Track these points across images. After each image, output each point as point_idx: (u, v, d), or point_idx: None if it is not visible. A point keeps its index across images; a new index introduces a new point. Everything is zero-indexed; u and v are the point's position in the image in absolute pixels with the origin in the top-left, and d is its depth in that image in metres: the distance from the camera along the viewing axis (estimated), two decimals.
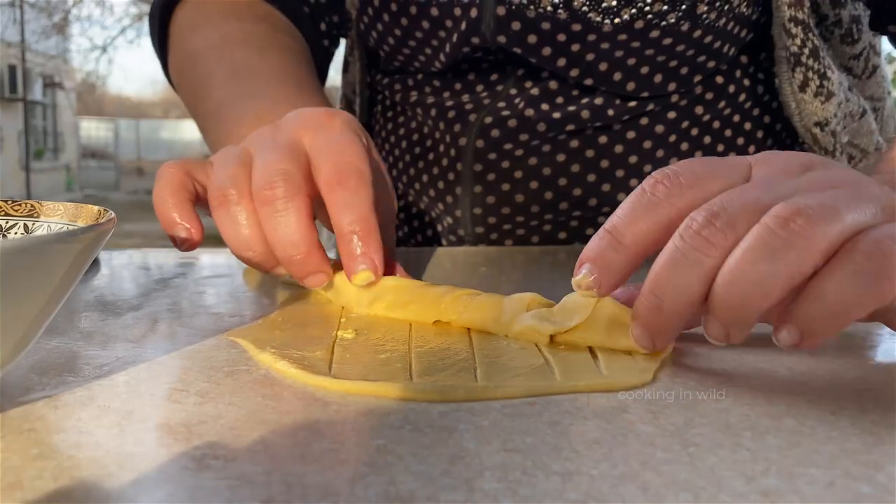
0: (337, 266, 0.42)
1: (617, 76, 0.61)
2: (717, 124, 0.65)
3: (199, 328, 0.38)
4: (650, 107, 0.63)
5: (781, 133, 0.67)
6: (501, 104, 0.64)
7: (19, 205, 0.34)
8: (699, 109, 0.65)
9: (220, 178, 0.41)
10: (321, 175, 0.40)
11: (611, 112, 0.63)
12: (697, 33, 0.59)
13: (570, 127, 0.63)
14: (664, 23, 0.57)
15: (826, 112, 0.63)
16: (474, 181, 0.66)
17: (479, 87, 0.66)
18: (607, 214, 0.65)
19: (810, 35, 0.61)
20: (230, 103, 0.57)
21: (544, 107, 0.63)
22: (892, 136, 0.68)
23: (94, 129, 21.64)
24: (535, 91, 0.64)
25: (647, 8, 0.57)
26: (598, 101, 0.63)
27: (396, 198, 0.73)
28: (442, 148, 0.67)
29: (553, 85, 0.63)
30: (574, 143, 0.64)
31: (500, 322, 0.36)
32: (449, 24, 0.62)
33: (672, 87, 0.63)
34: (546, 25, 0.58)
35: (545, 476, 0.23)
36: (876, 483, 0.23)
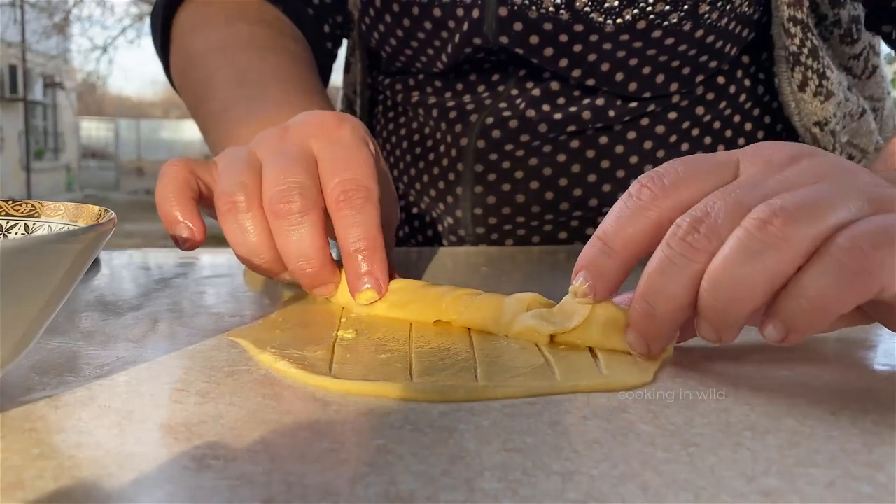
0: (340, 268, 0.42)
1: (619, 76, 0.61)
2: (717, 125, 0.65)
3: (199, 328, 0.38)
4: (651, 107, 0.63)
5: (782, 133, 0.67)
6: (503, 105, 0.64)
7: (20, 205, 0.34)
8: (700, 110, 0.65)
9: (228, 183, 0.41)
10: (328, 191, 0.40)
11: (612, 113, 0.63)
12: (699, 33, 0.59)
13: (572, 127, 0.63)
14: (666, 23, 0.57)
15: (825, 112, 0.63)
16: (475, 181, 0.66)
17: (481, 88, 0.66)
18: None
19: (809, 35, 0.61)
20: (234, 105, 0.57)
21: (545, 107, 0.63)
22: (891, 136, 0.68)
23: (94, 129, 21.65)
24: (536, 92, 0.64)
25: (649, 8, 0.57)
26: (600, 101, 0.63)
27: (397, 197, 0.73)
28: (443, 148, 0.67)
29: (554, 85, 0.63)
30: (575, 144, 0.64)
31: (500, 322, 0.36)
32: (451, 24, 0.62)
33: (674, 87, 0.63)
34: (548, 26, 0.58)
35: (545, 476, 0.23)
36: (876, 483, 0.23)
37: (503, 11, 0.58)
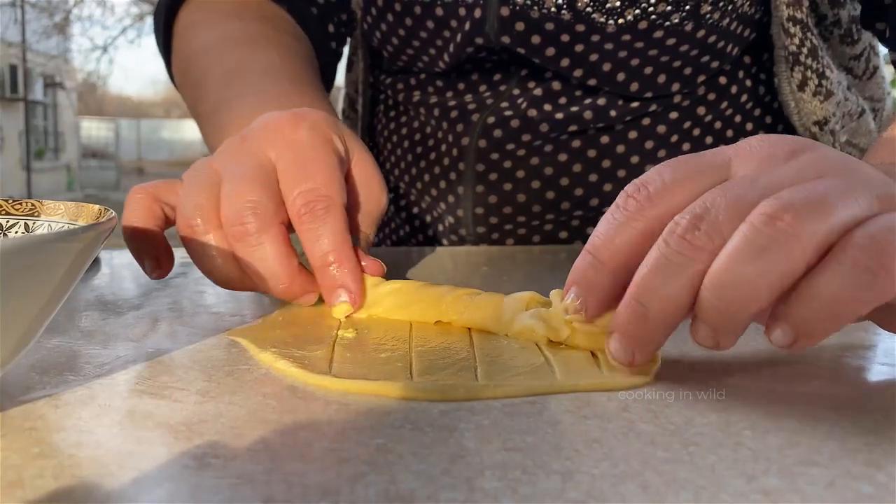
0: None
1: (620, 76, 0.61)
2: (718, 125, 0.65)
3: (199, 327, 0.38)
4: (652, 107, 0.63)
5: (783, 133, 0.67)
6: (504, 104, 0.64)
7: (20, 204, 0.34)
8: (701, 110, 0.65)
9: (185, 207, 0.40)
10: (289, 205, 0.40)
11: (613, 113, 0.63)
12: (701, 33, 0.59)
13: (573, 127, 0.63)
14: (668, 23, 0.57)
15: (825, 111, 0.63)
16: (476, 181, 0.66)
17: (483, 87, 0.66)
18: None
19: (809, 34, 0.61)
20: (223, 105, 0.57)
21: (547, 107, 0.63)
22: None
23: (94, 129, 21.65)
24: (538, 91, 0.64)
25: (651, 8, 0.57)
26: (601, 101, 0.63)
27: (398, 198, 0.73)
28: (444, 148, 0.67)
29: (556, 85, 0.63)
30: (576, 144, 0.64)
31: (500, 321, 0.36)
32: (453, 24, 0.62)
33: (675, 87, 0.63)
34: (550, 26, 0.58)
35: (545, 475, 0.23)
36: (876, 482, 0.23)
37: (505, 11, 0.58)
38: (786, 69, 0.62)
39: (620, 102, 0.63)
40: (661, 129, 0.64)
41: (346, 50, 0.75)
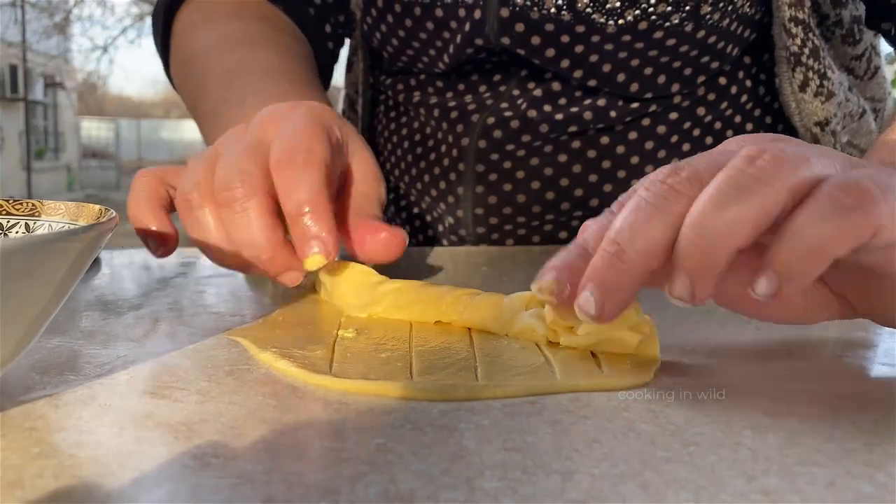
0: (332, 267, 0.42)
1: (620, 77, 0.61)
2: (718, 125, 0.65)
3: (199, 327, 0.38)
4: (652, 108, 0.63)
5: (783, 134, 0.67)
6: (504, 105, 0.64)
7: (21, 204, 0.34)
8: (701, 110, 0.65)
9: (184, 183, 0.41)
10: (271, 159, 0.39)
11: (613, 113, 0.63)
12: (701, 34, 0.59)
13: (573, 128, 0.63)
14: (668, 24, 0.57)
15: (826, 112, 0.63)
16: (476, 181, 0.66)
17: (482, 88, 0.66)
18: None
19: (810, 35, 0.61)
20: (222, 105, 0.57)
21: (547, 108, 0.63)
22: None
23: (95, 129, 21.66)
24: (537, 92, 0.64)
25: (651, 9, 0.57)
26: (601, 102, 0.63)
27: (398, 198, 0.73)
28: (444, 148, 0.67)
29: (556, 86, 0.63)
30: (576, 144, 0.64)
31: (500, 321, 0.36)
32: (453, 25, 0.62)
33: (675, 87, 0.63)
34: (550, 27, 0.58)
35: (545, 475, 0.23)
36: (876, 482, 0.23)
37: (505, 12, 0.58)
38: (787, 70, 0.62)
39: (620, 103, 0.63)
40: (661, 129, 0.64)
41: (343, 51, 0.75)
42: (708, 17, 0.58)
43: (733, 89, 0.65)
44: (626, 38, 0.58)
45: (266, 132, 0.42)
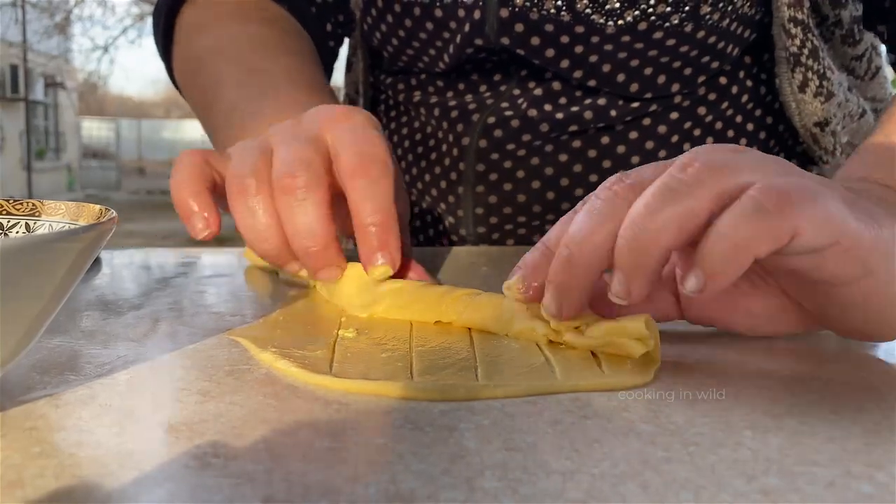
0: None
1: (620, 77, 0.61)
2: (719, 125, 0.65)
3: (200, 327, 0.38)
4: (653, 107, 0.63)
5: (784, 134, 0.67)
6: (504, 104, 0.64)
7: (21, 204, 0.34)
8: (702, 110, 0.65)
9: (239, 167, 0.41)
10: (342, 164, 0.40)
11: (613, 113, 0.63)
12: (701, 34, 0.59)
13: (573, 127, 0.63)
14: (667, 24, 0.57)
15: (826, 112, 0.63)
16: (476, 181, 0.66)
17: (483, 88, 0.66)
18: None
19: (810, 35, 0.61)
20: (244, 104, 0.57)
21: (547, 107, 0.63)
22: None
23: (95, 129, 21.65)
24: (538, 91, 0.64)
25: (651, 10, 0.57)
26: (601, 101, 0.63)
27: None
28: (444, 148, 0.67)
29: (556, 85, 0.63)
30: (576, 144, 0.64)
31: (500, 321, 0.36)
32: (453, 25, 0.62)
33: (675, 87, 0.62)
34: (549, 27, 0.58)
35: (546, 475, 0.23)
36: (877, 482, 0.23)
37: (504, 13, 0.58)
38: (787, 70, 0.62)
39: (621, 103, 0.63)
40: (662, 129, 0.64)
41: (343, 51, 0.75)
42: (707, 17, 0.58)
43: (734, 89, 0.65)
44: (626, 38, 0.58)
45: (324, 130, 0.42)
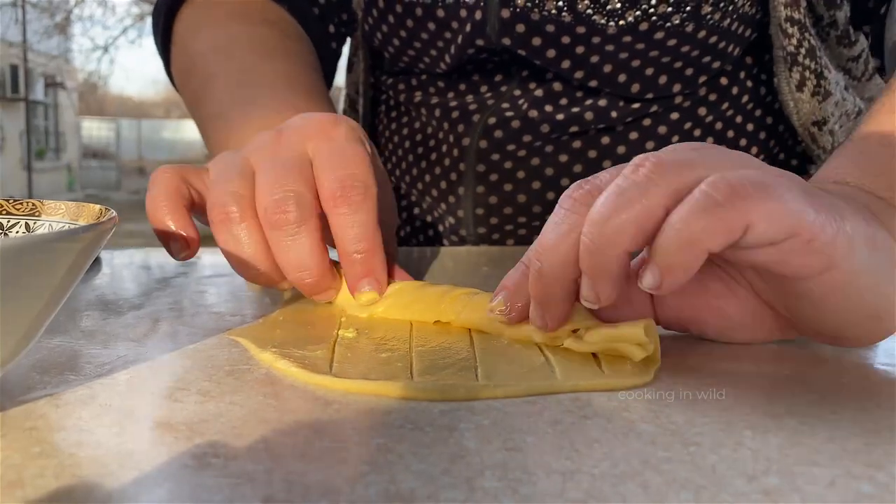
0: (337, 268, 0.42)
1: (621, 78, 0.61)
2: (719, 125, 0.65)
3: (200, 327, 0.38)
4: (653, 108, 0.63)
5: (784, 134, 0.67)
6: (505, 105, 0.64)
7: (21, 203, 0.34)
8: (702, 111, 0.65)
9: (220, 193, 0.40)
10: (324, 190, 0.39)
11: (614, 114, 0.63)
12: (702, 34, 0.59)
13: (574, 128, 0.63)
14: (669, 24, 0.57)
15: (824, 111, 0.63)
16: (477, 181, 0.66)
17: (484, 88, 0.66)
18: None
19: (806, 35, 0.61)
20: (233, 107, 0.57)
21: (548, 108, 0.63)
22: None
23: (95, 129, 21.65)
24: (539, 92, 0.64)
25: (652, 10, 0.57)
26: (602, 102, 0.63)
27: (399, 198, 0.73)
28: (445, 148, 0.67)
29: (557, 86, 0.63)
30: (577, 144, 0.64)
31: (495, 322, 0.36)
32: (454, 25, 0.62)
33: (677, 88, 0.62)
34: (550, 28, 0.58)
35: (546, 475, 0.23)
36: (877, 482, 0.23)
37: (505, 13, 0.58)
38: (784, 69, 0.62)
39: (621, 103, 0.63)
40: (662, 129, 0.64)
41: (344, 51, 0.75)
42: (709, 17, 0.58)
43: (734, 90, 0.65)
44: (627, 38, 0.58)
45: (306, 146, 0.41)
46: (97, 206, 0.32)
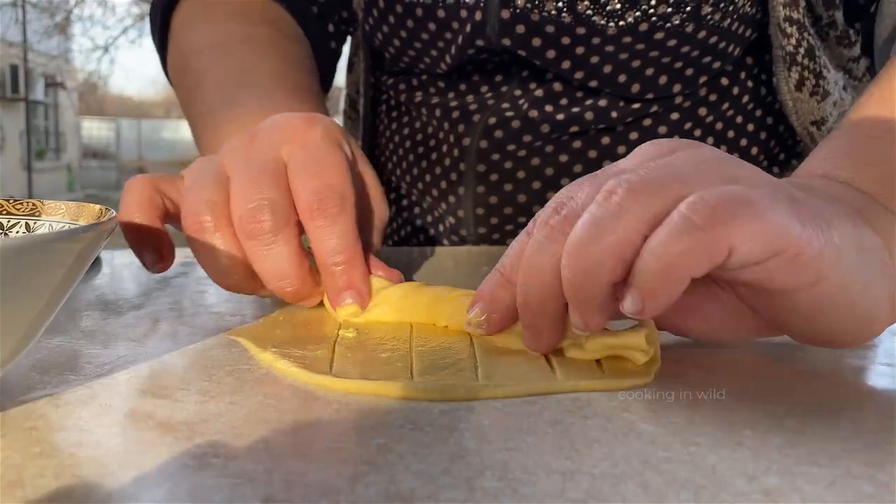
0: None
1: (621, 78, 0.61)
2: (719, 125, 0.65)
3: (200, 327, 0.38)
4: (654, 108, 0.63)
5: (784, 134, 0.67)
6: (505, 105, 0.64)
7: (21, 203, 0.34)
8: (702, 111, 0.65)
9: (194, 202, 0.39)
10: (300, 202, 0.38)
11: (614, 114, 0.63)
12: (702, 34, 0.59)
13: (574, 128, 0.63)
14: (669, 25, 0.57)
15: (822, 111, 0.63)
16: (477, 181, 0.66)
17: (484, 88, 0.66)
18: None
19: (805, 35, 0.61)
20: (220, 108, 0.56)
21: (548, 108, 0.63)
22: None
23: (95, 129, 21.65)
24: (539, 92, 0.64)
25: (652, 10, 0.57)
26: (602, 102, 0.63)
27: (399, 198, 0.73)
28: (445, 148, 0.67)
29: (557, 86, 0.63)
30: (577, 144, 0.64)
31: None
32: (454, 26, 0.62)
33: (677, 88, 0.62)
34: (550, 28, 0.58)
35: (546, 475, 0.23)
36: (877, 482, 0.23)
37: (505, 14, 0.58)
38: (783, 69, 0.62)
39: (621, 103, 0.63)
40: (663, 129, 0.64)
41: (344, 51, 0.75)
42: (709, 17, 0.58)
43: (735, 90, 0.65)
44: (627, 39, 0.58)
45: (280, 151, 0.40)
46: (97, 206, 0.32)
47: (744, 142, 0.66)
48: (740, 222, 0.27)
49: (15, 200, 0.34)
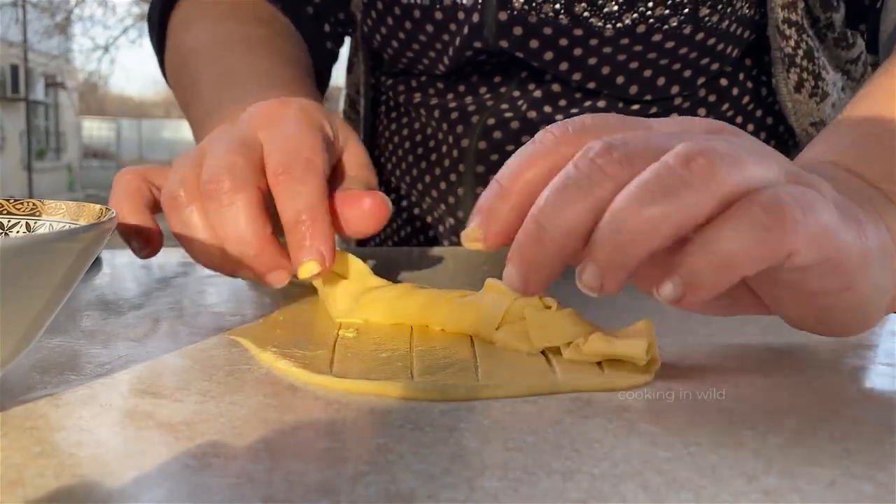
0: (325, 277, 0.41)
1: (619, 80, 0.61)
2: None
3: (200, 327, 0.38)
4: (652, 110, 0.63)
5: (784, 135, 0.67)
6: (504, 106, 0.64)
7: (21, 203, 0.34)
8: (702, 111, 0.65)
9: (170, 182, 0.40)
10: (268, 166, 0.39)
11: None
12: (700, 36, 0.59)
13: None
14: (666, 26, 0.57)
15: (821, 113, 0.63)
16: (476, 182, 0.66)
17: (483, 89, 0.66)
18: None
19: (804, 36, 0.61)
20: (217, 108, 0.56)
21: (547, 109, 0.63)
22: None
23: (95, 129, 21.65)
24: (537, 93, 0.64)
25: (649, 12, 0.57)
26: (601, 103, 0.63)
27: (399, 198, 0.73)
28: (444, 149, 0.67)
29: (556, 87, 0.63)
30: None
31: (480, 334, 0.36)
32: (452, 27, 0.62)
33: (675, 89, 0.63)
34: (548, 30, 0.58)
35: (546, 475, 0.23)
36: (877, 482, 0.23)
37: (503, 16, 0.58)
38: (782, 70, 0.62)
39: (620, 105, 0.63)
40: None
41: (344, 51, 0.75)
42: (706, 19, 0.58)
43: (734, 91, 0.65)
44: (625, 41, 0.58)
45: (256, 130, 0.41)
46: (97, 206, 0.32)
47: None
48: (805, 226, 0.26)
49: (15, 200, 0.34)
